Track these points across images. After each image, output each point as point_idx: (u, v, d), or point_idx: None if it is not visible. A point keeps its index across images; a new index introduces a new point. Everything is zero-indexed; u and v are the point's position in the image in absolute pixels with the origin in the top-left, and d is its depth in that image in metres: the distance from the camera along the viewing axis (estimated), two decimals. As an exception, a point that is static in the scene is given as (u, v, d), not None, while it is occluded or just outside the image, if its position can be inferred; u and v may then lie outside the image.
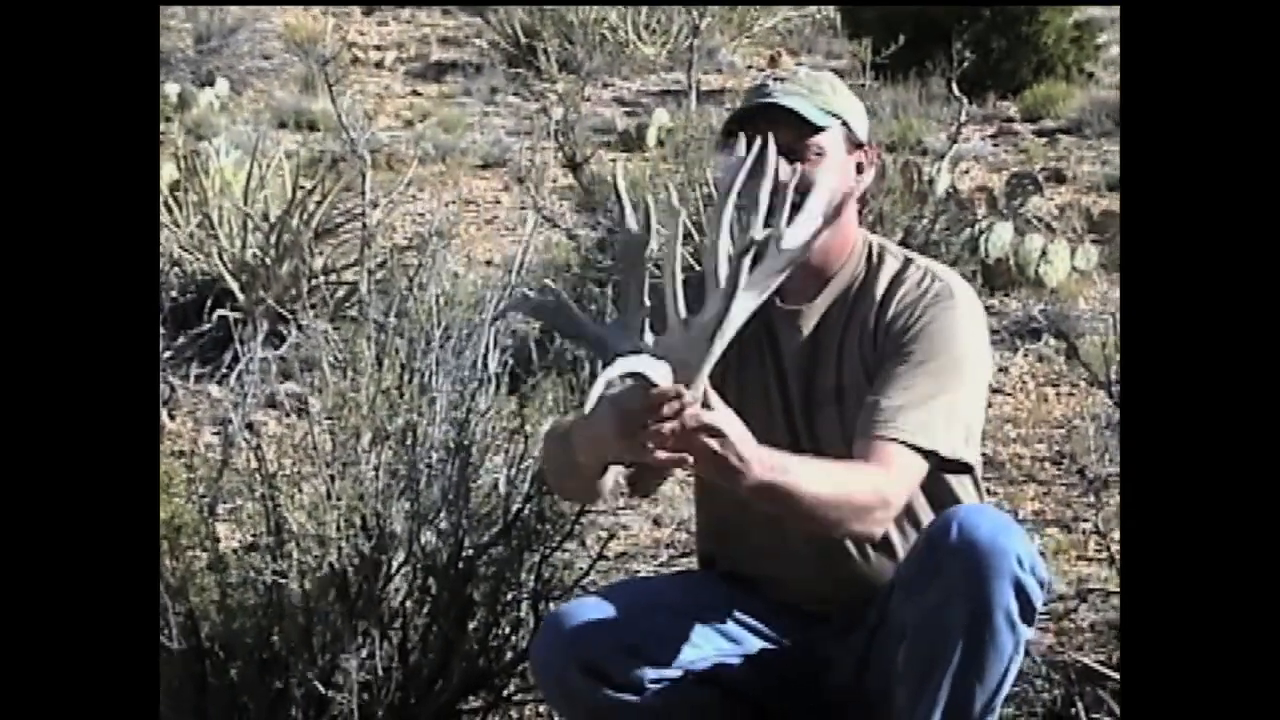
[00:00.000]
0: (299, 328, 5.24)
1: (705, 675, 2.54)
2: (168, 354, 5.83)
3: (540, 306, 2.19)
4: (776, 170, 2.27)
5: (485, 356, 3.16)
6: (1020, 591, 2.34)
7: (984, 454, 2.61)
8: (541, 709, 3.16)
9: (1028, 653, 2.71)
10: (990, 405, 3.15)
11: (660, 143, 9.53)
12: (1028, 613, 2.36)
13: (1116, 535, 3.61)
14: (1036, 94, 11.09)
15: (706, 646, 2.56)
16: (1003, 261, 6.67)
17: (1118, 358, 3.39)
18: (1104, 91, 11.24)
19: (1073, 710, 3.06)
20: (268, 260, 6.07)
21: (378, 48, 14.05)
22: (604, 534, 3.49)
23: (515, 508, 3.06)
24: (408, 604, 3.03)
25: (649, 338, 2.19)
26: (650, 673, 2.49)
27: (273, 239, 6.10)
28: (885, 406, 2.46)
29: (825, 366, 2.59)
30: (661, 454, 2.18)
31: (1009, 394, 5.59)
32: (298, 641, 2.95)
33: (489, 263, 6.97)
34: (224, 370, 5.62)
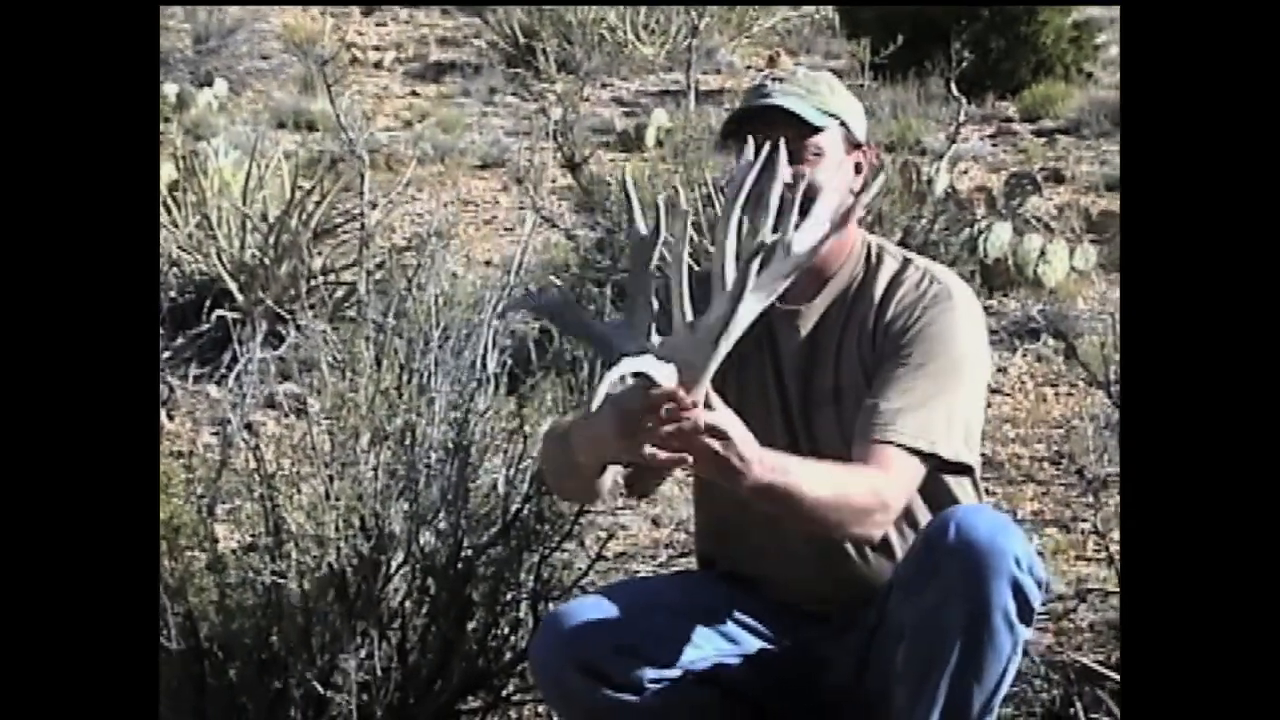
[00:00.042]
0: (298, 328, 5.24)
1: (704, 675, 2.54)
2: (166, 354, 5.83)
3: (546, 305, 2.19)
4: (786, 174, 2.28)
5: (484, 357, 3.16)
6: (1018, 592, 2.34)
7: (983, 454, 2.61)
8: (541, 709, 3.17)
9: (1026, 653, 2.72)
10: (989, 405, 3.15)
11: (659, 143, 9.53)
12: (1026, 613, 2.36)
13: (1115, 535, 3.61)
14: (1035, 94, 11.09)
15: (705, 647, 2.56)
16: (1001, 261, 6.67)
17: (1116, 358, 3.39)
18: (1103, 91, 11.24)
19: (1071, 710, 3.06)
20: (266, 261, 6.07)
21: (376, 48, 14.05)
22: (603, 534, 3.49)
23: (514, 508, 3.06)
24: (407, 604, 3.03)
25: (655, 339, 2.19)
26: (649, 673, 2.49)
27: (271, 239, 6.10)
28: (884, 410, 2.46)
29: (823, 367, 2.59)
30: (661, 455, 2.18)
31: (1007, 394, 5.60)
32: (296, 642, 2.95)
33: (488, 263, 6.97)
34: (223, 371, 5.61)
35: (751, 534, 2.59)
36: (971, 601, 2.33)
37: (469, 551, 3.03)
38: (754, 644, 2.61)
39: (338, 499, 2.94)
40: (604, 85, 12.41)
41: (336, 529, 2.93)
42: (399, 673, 3.01)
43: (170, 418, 5.33)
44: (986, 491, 2.76)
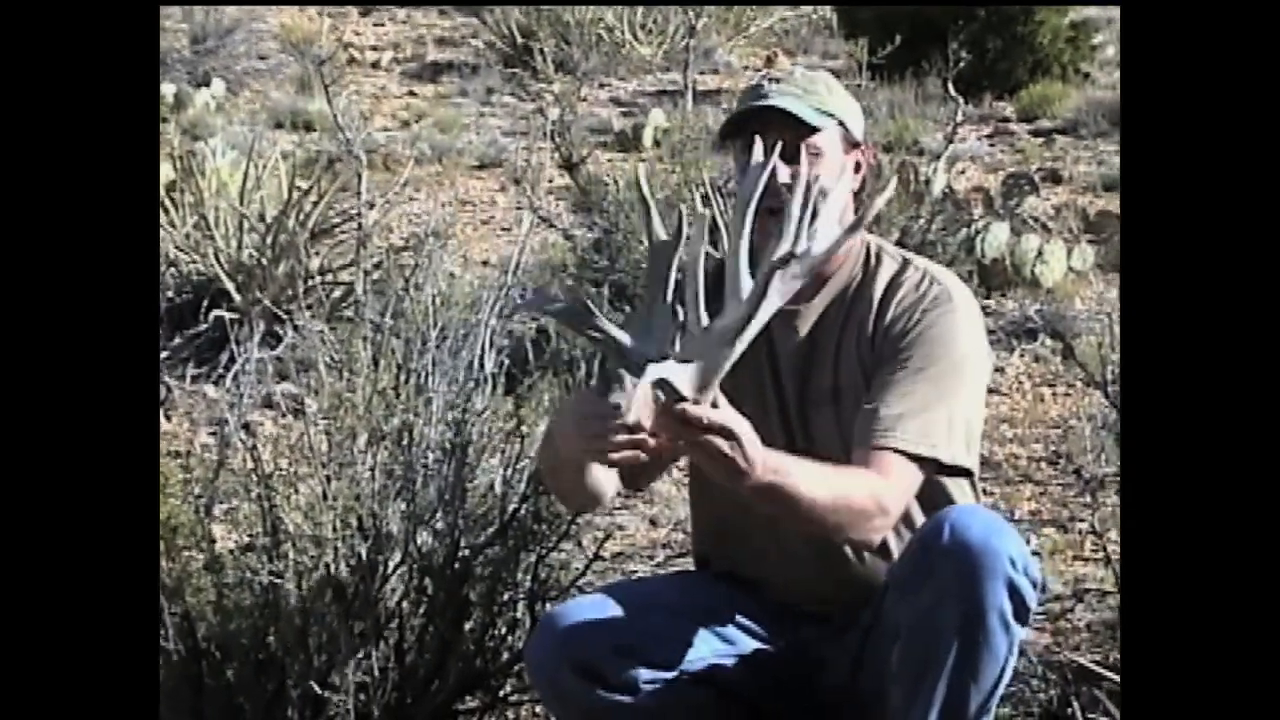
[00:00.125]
0: (295, 328, 5.24)
1: (700, 676, 2.54)
2: (164, 354, 5.83)
3: (560, 309, 2.17)
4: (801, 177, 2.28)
5: (482, 357, 3.16)
6: (1013, 592, 2.34)
7: (980, 454, 2.61)
8: (538, 709, 3.16)
9: (1023, 653, 2.72)
10: (986, 405, 3.14)
11: (656, 143, 9.54)
12: (1021, 613, 2.36)
13: (1113, 535, 3.62)
14: (1032, 94, 11.10)
15: (702, 647, 2.56)
16: (999, 262, 6.67)
17: (1114, 358, 3.39)
18: (1100, 92, 11.25)
19: (1069, 710, 3.06)
20: (264, 261, 6.07)
21: (374, 48, 14.05)
22: (600, 534, 3.49)
23: (511, 508, 3.06)
24: (404, 604, 3.03)
25: (676, 345, 2.18)
26: (645, 673, 2.49)
27: (269, 239, 6.10)
28: (885, 415, 2.46)
29: (822, 367, 2.59)
30: (615, 455, 2.21)
31: (1005, 394, 5.60)
32: (294, 642, 2.95)
33: (485, 263, 6.97)
34: (220, 371, 5.61)
35: (751, 535, 2.58)
36: (966, 602, 2.33)
37: (466, 551, 3.03)
38: (750, 644, 2.61)
39: (335, 499, 2.94)
40: (601, 85, 12.42)
41: (334, 529, 2.93)
42: (396, 673, 3.01)
43: (167, 418, 5.33)
44: (984, 492, 2.76)
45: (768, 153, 2.34)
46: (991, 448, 4.94)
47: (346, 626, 2.93)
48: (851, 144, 2.60)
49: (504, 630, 3.10)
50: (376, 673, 2.97)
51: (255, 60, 13.34)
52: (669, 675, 2.51)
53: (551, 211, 7.15)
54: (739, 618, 2.62)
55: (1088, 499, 3.91)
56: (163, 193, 6.32)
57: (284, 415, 3.54)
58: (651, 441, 2.20)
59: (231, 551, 3.09)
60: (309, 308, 5.28)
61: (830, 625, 2.60)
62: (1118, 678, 3.02)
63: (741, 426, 2.21)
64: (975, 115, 10.40)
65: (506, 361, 3.22)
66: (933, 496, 2.52)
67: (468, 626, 3.06)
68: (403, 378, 3.06)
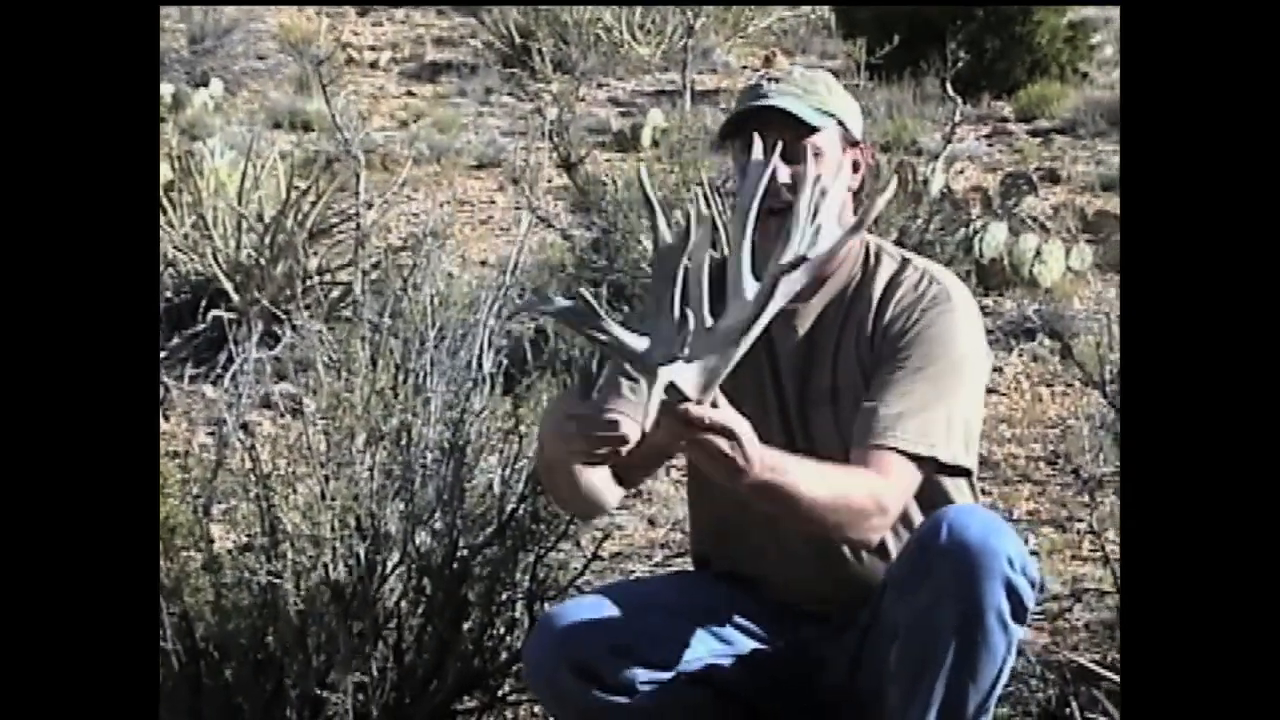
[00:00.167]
0: (293, 328, 5.24)
1: (697, 676, 2.54)
2: (162, 354, 5.82)
3: (568, 311, 2.16)
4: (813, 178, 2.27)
5: (480, 357, 3.16)
6: (1011, 592, 2.34)
7: (979, 454, 2.61)
8: (537, 709, 3.16)
9: (1022, 652, 2.72)
10: (985, 405, 3.14)
11: (655, 143, 9.53)
12: (1019, 613, 2.36)
13: (1111, 535, 3.62)
14: (1031, 94, 11.09)
15: (699, 647, 2.56)
16: (997, 261, 6.67)
17: (1112, 357, 3.39)
18: (1098, 91, 11.25)
19: (1067, 710, 3.06)
20: (262, 261, 6.07)
21: (372, 48, 14.04)
22: (599, 534, 3.49)
23: (510, 508, 3.06)
24: (402, 604, 3.03)
25: (685, 349, 2.18)
26: (642, 674, 2.49)
27: (267, 239, 6.09)
28: (884, 414, 2.46)
29: (821, 366, 2.59)
30: (597, 453, 2.23)
31: (1004, 394, 5.60)
32: (292, 642, 2.95)
33: (484, 263, 6.97)
34: (218, 371, 5.61)
35: (750, 534, 2.58)
36: (964, 602, 2.33)
37: (465, 551, 3.03)
38: (748, 644, 2.61)
39: (333, 499, 2.94)
40: (600, 85, 12.41)
41: (332, 529, 2.93)
42: (395, 673, 3.01)
43: (166, 418, 5.32)
44: (983, 491, 2.76)
45: (768, 153, 2.33)
46: (990, 447, 4.94)
47: (345, 626, 2.93)
48: (851, 143, 2.60)
49: (502, 630, 3.10)
50: (375, 673, 2.97)
51: (253, 60, 13.32)
52: (666, 676, 2.51)
53: (550, 211, 7.15)
54: (737, 618, 2.62)
55: (1086, 499, 3.91)
56: (161, 193, 6.32)
57: (282, 415, 3.53)
58: (632, 440, 2.20)
59: (230, 551, 3.09)
60: (307, 308, 5.27)
61: (828, 625, 2.60)
62: (1116, 677, 3.03)
63: (741, 426, 2.22)
64: (973, 115, 10.39)
65: (505, 361, 3.22)
66: (931, 496, 2.52)
67: (466, 626, 3.06)
68: (401, 378, 3.06)
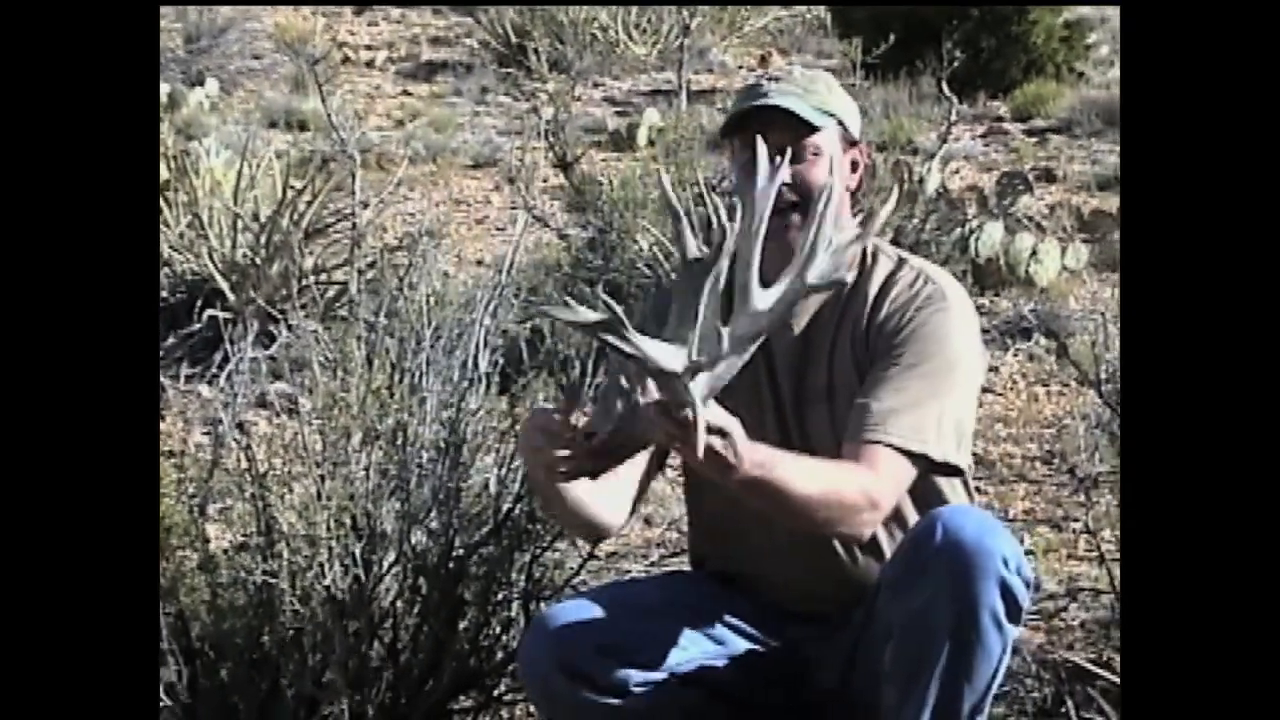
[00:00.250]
0: (289, 328, 5.22)
1: (690, 677, 2.54)
2: (158, 354, 5.82)
3: (594, 323, 2.13)
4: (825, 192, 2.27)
5: (476, 356, 3.16)
6: (1006, 591, 2.34)
7: (974, 453, 2.61)
8: (533, 709, 3.16)
9: (1017, 651, 2.72)
10: (981, 405, 3.15)
11: (651, 142, 9.53)
12: (1014, 613, 2.36)
13: (1106, 534, 3.63)
14: (1026, 93, 11.11)
15: (692, 648, 2.56)
16: (993, 261, 6.68)
17: (1108, 357, 3.40)
18: (1094, 91, 11.27)
19: (1063, 709, 3.06)
20: (258, 260, 6.07)
21: (368, 47, 14.05)
22: (595, 533, 3.48)
23: (506, 507, 3.06)
24: (398, 604, 3.03)
25: (702, 357, 2.17)
26: (634, 675, 2.49)
27: (263, 239, 6.09)
28: (875, 410, 2.46)
29: (816, 365, 2.59)
30: (562, 470, 2.26)
31: (999, 393, 5.60)
32: (288, 642, 2.95)
33: (479, 262, 6.98)
34: (214, 370, 5.61)
35: (745, 533, 2.58)
36: (959, 602, 2.33)
37: (460, 551, 3.03)
38: (741, 645, 2.61)
39: (329, 498, 2.94)
40: (596, 85, 12.42)
41: (328, 529, 2.92)
42: (391, 672, 3.01)
43: (161, 417, 5.32)
44: (978, 490, 2.76)
45: (772, 160, 2.30)
46: (986, 447, 4.94)
47: (341, 626, 2.93)
48: (850, 143, 2.60)
49: (498, 629, 3.10)
50: (371, 672, 2.96)
51: (249, 60, 13.33)
52: (659, 676, 2.51)
53: (546, 211, 7.16)
54: (731, 618, 2.62)
55: (1082, 498, 3.91)
56: (157, 192, 6.32)
57: (278, 415, 3.52)
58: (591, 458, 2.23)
59: (226, 551, 3.09)
60: (303, 307, 5.28)
61: (823, 625, 2.60)
62: (1112, 676, 3.03)
63: (732, 424, 2.22)
64: (969, 115, 10.40)
65: (501, 360, 3.22)
66: (926, 496, 2.52)
67: (462, 626, 3.06)
68: (397, 377, 3.06)
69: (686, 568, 2.85)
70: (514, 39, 12.51)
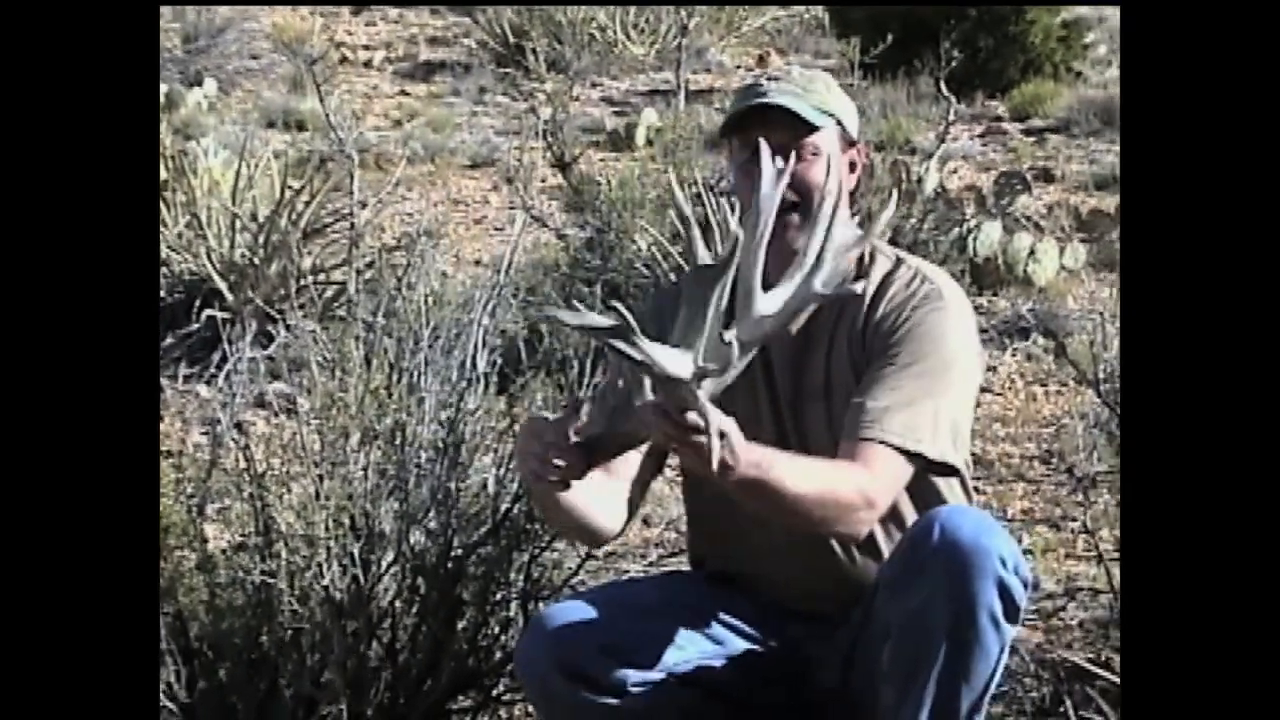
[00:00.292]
0: (287, 328, 5.22)
1: (688, 676, 2.54)
2: (156, 354, 5.82)
3: (603, 328, 2.12)
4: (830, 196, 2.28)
5: (474, 356, 3.16)
6: (1004, 591, 2.34)
7: (973, 453, 2.61)
8: (531, 709, 3.16)
9: (1016, 651, 2.72)
10: (979, 404, 3.15)
11: (649, 142, 9.54)
12: (1012, 612, 2.36)
13: (1105, 534, 3.63)
14: (1024, 93, 11.12)
15: (690, 648, 2.56)
16: (991, 260, 6.68)
17: (1106, 356, 3.40)
18: (1092, 90, 11.28)
19: (1061, 708, 3.06)
20: (256, 260, 6.07)
21: (366, 47, 14.04)
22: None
23: (504, 507, 3.06)
24: (397, 604, 3.03)
25: (708, 364, 2.17)
26: (632, 675, 2.49)
27: (261, 239, 6.09)
28: (871, 408, 2.46)
29: (813, 363, 2.59)
30: (550, 478, 2.28)
31: (997, 393, 5.60)
32: (287, 642, 2.95)
33: (478, 262, 6.98)
34: (212, 370, 5.61)
35: (744, 532, 2.58)
36: (957, 601, 2.33)
37: (459, 551, 3.03)
38: (739, 644, 2.61)
39: (327, 498, 2.94)
40: (594, 84, 12.42)
41: (326, 529, 2.92)
42: (389, 672, 3.01)
43: (160, 417, 5.32)
44: (976, 490, 2.76)
45: (776, 169, 2.30)
46: (984, 446, 4.95)
47: (339, 626, 2.93)
48: (849, 142, 2.60)
49: (497, 629, 3.10)
50: (369, 672, 2.96)
51: (247, 60, 13.32)
52: (657, 676, 2.51)
53: (544, 211, 7.16)
54: (729, 617, 2.62)
55: (1080, 497, 3.91)
56: (155, 192, 6.32)
57: (276, 415, 3.52)
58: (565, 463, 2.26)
59: (224, 551, 3.08)
60: (301, 307, 5.28)
61: (821, 624, 2.60)
62: (1110, 675, 3.03)
63: (728, 424, 2.22)
64: (967, 114, 10.41)
65: (499, 361, 3.22)
66: (923, 495, 2.52)
67: (461, 626, 3.06)
68: (395, 377, 3.06)
69: (685, 568, 2.85)
70: (512, 39, 12.51)
